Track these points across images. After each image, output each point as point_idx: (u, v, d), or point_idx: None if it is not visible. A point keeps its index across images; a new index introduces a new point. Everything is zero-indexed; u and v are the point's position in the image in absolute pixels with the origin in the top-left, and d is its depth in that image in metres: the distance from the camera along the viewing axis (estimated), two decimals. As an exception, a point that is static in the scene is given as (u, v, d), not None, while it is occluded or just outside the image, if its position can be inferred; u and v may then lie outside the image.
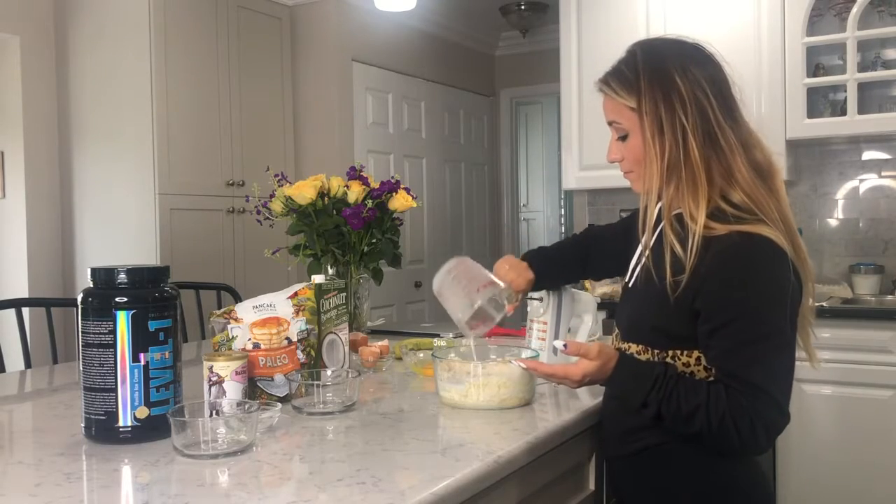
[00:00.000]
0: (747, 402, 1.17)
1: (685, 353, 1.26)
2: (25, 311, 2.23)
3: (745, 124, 1.31)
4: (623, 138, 1.34)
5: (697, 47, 1.33)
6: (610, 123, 1.36)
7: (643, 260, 1.36)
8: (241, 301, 1.57)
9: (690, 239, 1.23)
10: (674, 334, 1.27)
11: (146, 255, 3.43)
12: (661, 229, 1.33)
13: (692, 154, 1.25)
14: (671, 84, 1.27)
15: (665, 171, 1.27)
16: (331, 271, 2.09)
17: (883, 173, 3.32)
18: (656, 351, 1.28)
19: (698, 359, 1.26)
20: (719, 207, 1.25)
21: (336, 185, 2.07)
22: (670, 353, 1.27)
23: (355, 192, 2.06)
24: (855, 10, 2.99)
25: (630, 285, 1.40)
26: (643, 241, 1.36)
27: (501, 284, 1.51)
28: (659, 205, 1.34)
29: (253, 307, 1.47)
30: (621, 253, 1.53)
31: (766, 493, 1.35)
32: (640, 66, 1.31)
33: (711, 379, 1.23)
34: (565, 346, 1.25)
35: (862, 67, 3.05)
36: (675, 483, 1.30)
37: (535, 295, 1.66)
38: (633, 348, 1.32)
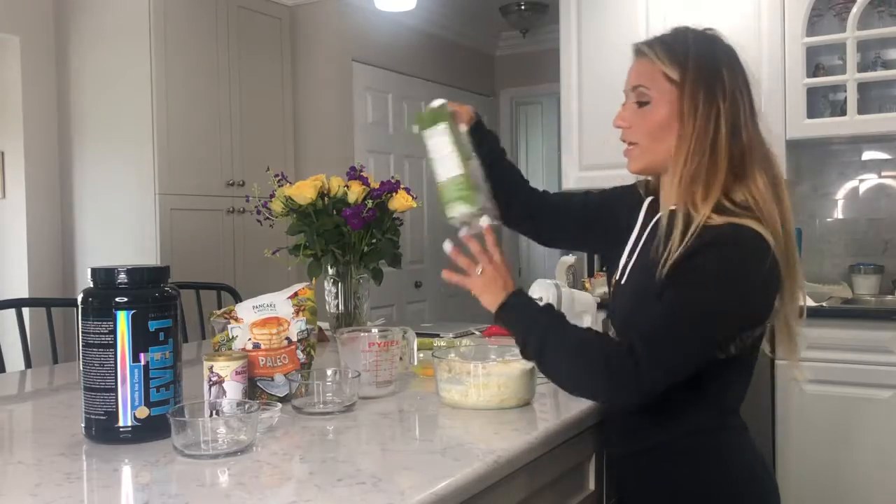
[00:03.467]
0: (626, 348, 1.18)
1: None
2: (25, 311, 2.23)
3: (763, 137, 1.33)
4: (642, 105, 1.32)
5: (738, 53, 1.36)
6: (634, 88, 1.33)
7: (634, 257, 1.36)
8: (241, 301, 1.57)
9: (692, 228, 1.22)
10: None
11: (146, 255, 3.43)
12: (655, 223, 1.34)
13: (720, 142, 1.26)
14: (717, 73, 1.29)
15: (692, 152, 1.27)
16: (331, 271, 2.09)
17: (883, 173, 3.32)
18: None
19: None
20: (720, 202, 1.25)
21: (336, 185, 2.07)
22: None
23: (355, 192, 2.05)
24: (855, 10, 2.99)
25: (623, 282, 1.40)
26: (636, 235, 1.36)
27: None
28: (649, 199, 1.35)
29: (253, 307, 1.47)
30: (584, 228, 1.57)
31: (771, 490, 1.35)
32: (691, 45, 1.32)
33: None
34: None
35: (862, 67, 3.05)
36: (679, 481, 1.30)
37: (535, 295, 1.66)
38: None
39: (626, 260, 1.40)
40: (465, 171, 1.43)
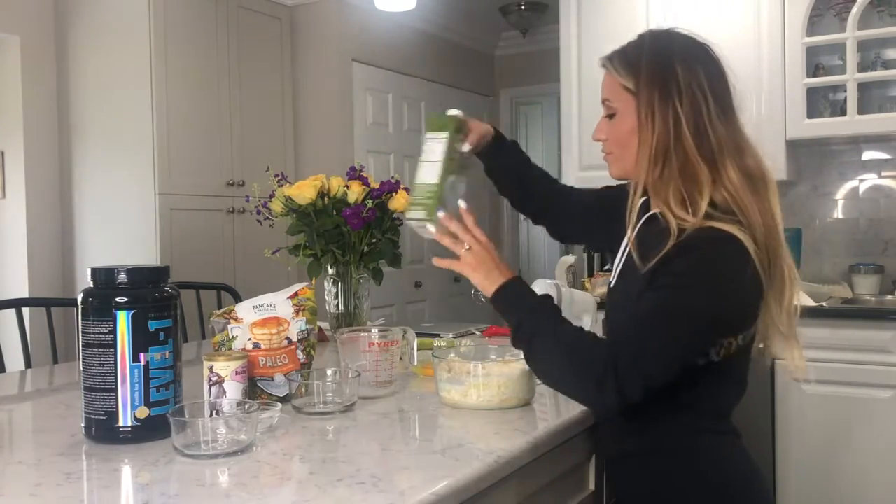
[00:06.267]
0: (608, 350, 1.17)
1: None
2: (25, 311, 2.23)
3: (741, 130, 1.29)
4: (611, 117, 1.35)
5: (705, 47, 1.33)
6: (603, 101, 1.37)
7: (623, 258, 1.36)
8: (241, 301, 1.57)
9: (671, 234, 1.20)
10: None
11: (146, 255, 3.43)
12: (639, 225, 1.32)
13: (684, 142, 1.24)
14: (671, 73, 1.26)
15: (654, 156, 1.26)
16: (331, 271, 2.09)
17: (883, 173, 3.32)
18: None
19: None
20: (698, 206, 1.21)
21: (336, 185, 2.07)
22: None
23: (355, 192, 2.05)
24: (855, 10, 2.99)
25: (612, 285, 1.41)
26: (627, 237, 1.33)
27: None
28: (642, 199, 1.33)
29: (253, 307, 1.47)
30: (592, 223, 1.63)
31: (763, 494, 1.34)
32: (644, 49, 1.31)
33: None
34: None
35: (862, 67, 3.05)
36: (670, 485, 1.29)
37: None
38: None
39: (618, 261, 1.39)
40: (440, 183, 1.44)
